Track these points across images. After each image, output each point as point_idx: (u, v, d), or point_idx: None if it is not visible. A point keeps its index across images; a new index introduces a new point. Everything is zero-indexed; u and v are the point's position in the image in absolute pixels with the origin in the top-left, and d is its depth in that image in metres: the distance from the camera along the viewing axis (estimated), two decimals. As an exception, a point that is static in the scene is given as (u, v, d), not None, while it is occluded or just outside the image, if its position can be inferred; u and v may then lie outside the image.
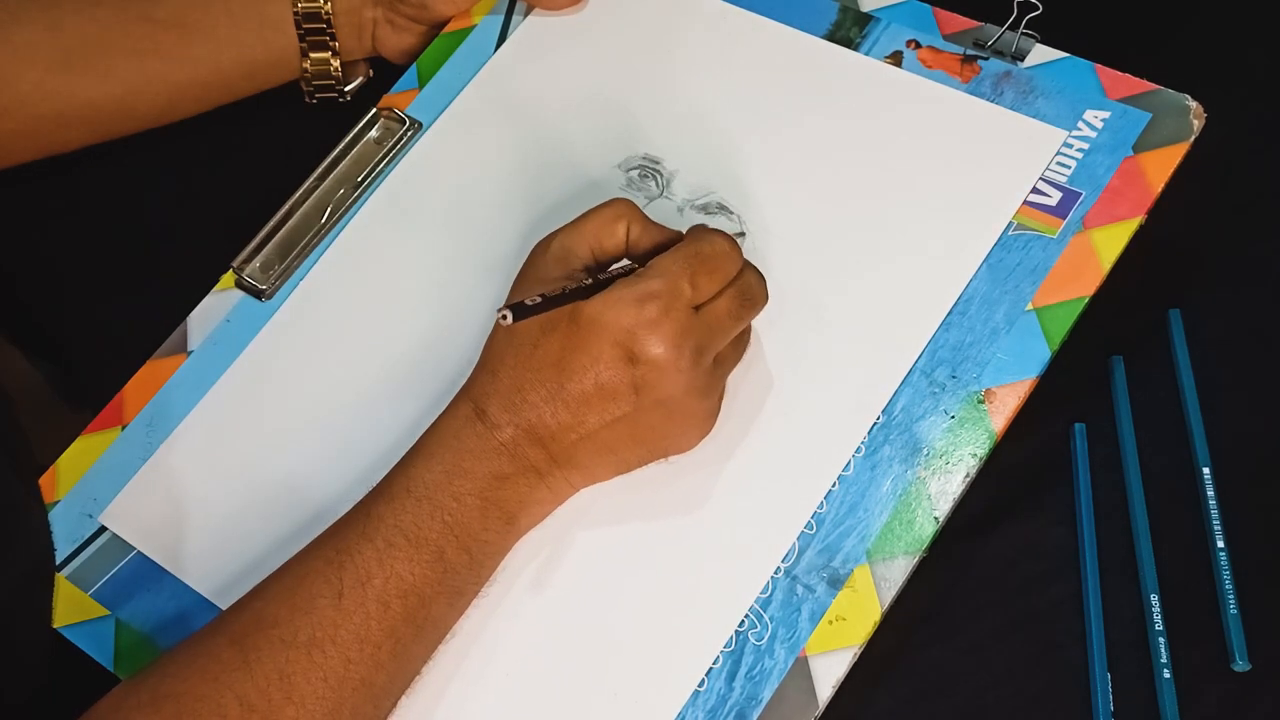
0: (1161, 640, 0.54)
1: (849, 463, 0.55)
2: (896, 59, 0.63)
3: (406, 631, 0.50)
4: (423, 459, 0.52)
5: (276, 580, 0.51)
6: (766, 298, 0.55)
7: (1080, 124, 0.60)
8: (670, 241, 0.54)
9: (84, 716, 0.48)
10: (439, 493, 0.51)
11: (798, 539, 0.54)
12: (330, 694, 0.48)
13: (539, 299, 0.49)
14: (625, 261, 0.54)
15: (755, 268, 0.55)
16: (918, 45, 0.63)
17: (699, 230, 0.53)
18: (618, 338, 0.50)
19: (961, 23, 0.63)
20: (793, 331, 0.58)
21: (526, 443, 0.52)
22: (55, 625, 0.58)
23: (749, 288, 0.54)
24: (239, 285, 0.65)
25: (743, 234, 0.61)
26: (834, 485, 0.54)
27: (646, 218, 0.55)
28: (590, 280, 0.52)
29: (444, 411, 0.53)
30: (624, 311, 0.50)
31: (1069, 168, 0.59)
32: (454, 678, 0.53)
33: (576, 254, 0.54)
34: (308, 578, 0.50)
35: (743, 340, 0.56)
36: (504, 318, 0.48)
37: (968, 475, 0.54)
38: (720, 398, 0.54)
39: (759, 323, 0.58)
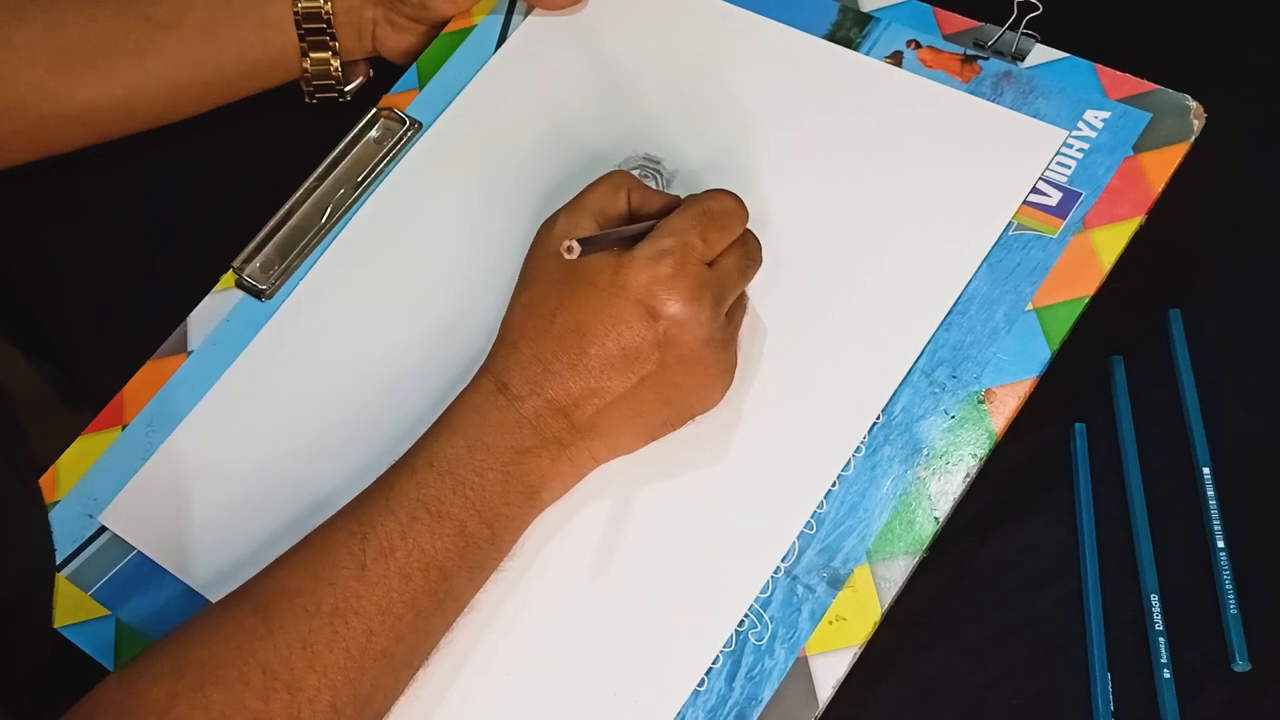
0: (1161, 640, 0.54)
1: (849, 463, 0.55)
2: (897, 59, 0.63)
3: (428, 604, 0.50)
4: (445, 434, 0.52)
5: (299, 551, 0.51)
6: (762, 259, 0.56)
7: (1080, 124, 0.60)
8: (671, 205, 0.55)
9: (105, 681, 0.47)
10: (461, 467, 0.51)
11: (798, 539, 0.54)
12: (352, 664, 0.48)
13: (601, 233, 0.50)
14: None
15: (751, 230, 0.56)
16: (918, 45, 0.63)
17: (705, 191, 0.55)
18: (638, 296, 0.51)
19: (961, 23, 0.63)
20: (792, 331, 0.58)
21: (549, 414, 0.52)
22: (55, 625, 0.58)
23: (751, 246, 0.55)
24: (239, 285, 0.65)
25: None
26: (834, 485, 0.54)
27: (645, 185, 0.56)
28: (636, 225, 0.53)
29: (466, 387, 0.54)
30: (640, 271, 0.51)
31: (1069, 168, 0.59)
32: (455, 678, 0.53)
33: (583, 228, 0.54)
34: (330, 548, 0.50)
35: (743, 300, 0.57)
36: (569, 250, 0.48)
37: (968, 475, 0.54)
38: (735, 351, 0.55)
39: (759, 324, 0.58)
